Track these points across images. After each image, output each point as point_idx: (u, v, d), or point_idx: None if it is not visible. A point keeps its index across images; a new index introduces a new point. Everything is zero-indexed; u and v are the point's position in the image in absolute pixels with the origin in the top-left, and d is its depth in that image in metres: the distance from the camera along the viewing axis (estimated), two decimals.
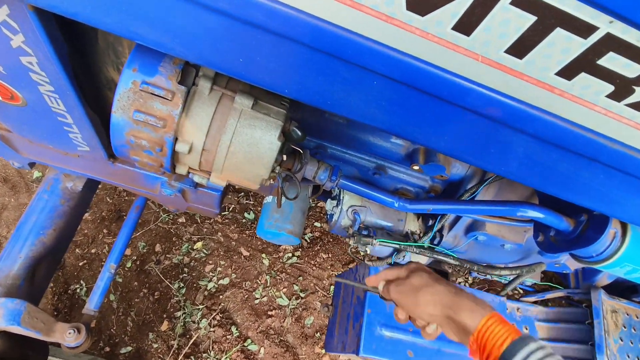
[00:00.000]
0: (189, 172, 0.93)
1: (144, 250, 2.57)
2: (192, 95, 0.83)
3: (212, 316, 2.45)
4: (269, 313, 2.59)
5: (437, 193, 1.66)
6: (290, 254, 2.83)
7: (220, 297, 2.55)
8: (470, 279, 3.16)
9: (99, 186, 2.72)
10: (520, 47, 0.53)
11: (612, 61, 0.53)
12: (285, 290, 2.70)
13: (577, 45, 0.52)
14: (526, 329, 2.41)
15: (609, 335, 2.11)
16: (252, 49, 0.62)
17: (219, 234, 2.76)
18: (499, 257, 1.78)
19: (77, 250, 2.46)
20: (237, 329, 2.46)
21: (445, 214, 1.56)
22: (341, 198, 1.62)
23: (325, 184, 1.29)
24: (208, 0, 0.56)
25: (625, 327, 2.18)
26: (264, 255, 2.76)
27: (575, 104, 0.61)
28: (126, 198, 2.68)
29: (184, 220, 2.74)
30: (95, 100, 1.17)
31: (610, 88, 0.57)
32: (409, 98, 0.64)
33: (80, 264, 2.43)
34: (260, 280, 2.68)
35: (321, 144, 1.52)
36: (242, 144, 0.86)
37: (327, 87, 0.66)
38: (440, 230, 1.66)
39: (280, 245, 2.87)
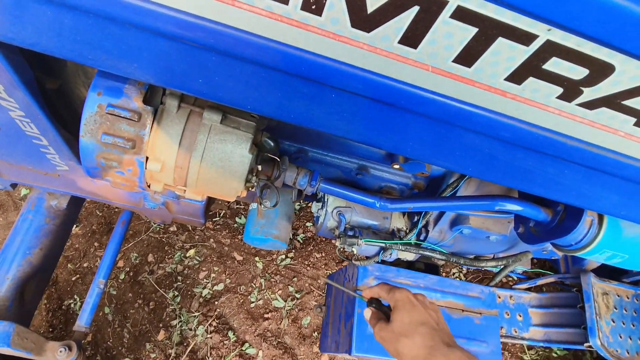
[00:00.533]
0: (164, 188, 0.94)
1: (137, 261, 2.57)
2: (161, 114, 0.83)
3: (209, 322, 2.47)
4: (266, 316, 2.61)
5: (421, 189, 1.67)
6: (283, 256, 2.84)
7: (216, 303, 2.56)
8: (464, 269, 3.19)
9: (85, 202, 2.72)
10: (467, 57, 0.54)
11: (556, 65, 0.54)
12: (280, 292, 2.71)
13: (520, 53, 0.53)
14: (520, 316, 2.44)
15: (600, 317, 2.14)
16: (207, 70, 0.63)
17: (211, 240, 2.76)
18: (485, 249, 1.80)
19: (69, 265, 2.46)
20: (234, 334, 2.47)
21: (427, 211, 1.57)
22: (326, 200, 1.63)
23: (306, 189, 1.30)
24: (156, 26, 0.56)
25: (616, 309, 2.22)
26: (257, 258, 2.77)
27: (528, 106, 0.62)
28: (116, 210, 2.68)
29: (175, 229, 2.74)
30: (72, 120, 1.17)
31: (559, 90, 0.58)
32: (367, 108, 0.65)
33: (73, 278, 2.43)
34: (254, 284, 2.69)
35: (302, 148, 1.53)
36: (213, 158, 0.87)
37: (287, 102, 0.67)
38: (426, 226, 1.68)
39: None
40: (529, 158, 0.74)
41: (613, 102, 0.59)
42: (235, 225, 2.84)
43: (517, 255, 1.67)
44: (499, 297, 2.49)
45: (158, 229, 2.71)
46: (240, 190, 0.94)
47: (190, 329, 2.42)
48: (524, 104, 0.61)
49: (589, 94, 0.58)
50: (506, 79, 0.57)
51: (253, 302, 2.62)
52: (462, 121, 0.66)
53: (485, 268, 1.66)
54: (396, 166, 1.45)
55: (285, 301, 2.67)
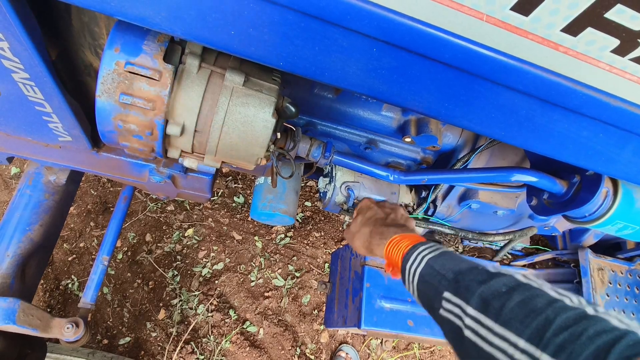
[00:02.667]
0: (180, 156, 0.90)
1: (135, 241, 2.52)
2: (180, 74, 0.79)
3: (209, 301, 2.45)
4: (266, 294, 2.60)
5: (429, 164, 1.66)
6: (282, 235, 2.82)
7: (216, 282, 2.55)
8: (460, 247, 3.22)
9: (82, 179, 2.64)
10: (526, 4, 0.52)
11: (619, 14, 0.52)
12: (280, 271, 2.70)
13: None
14: None
15: (596, 292, 2.19)
16: (243, 19, 0.59)
17: (210, 219, 2.72)
18: (491, 224, 1.80)
19: (65, 245, 2.40)
20: (235, 312, 2.46)
21: (438, 184, 1.57)
22: (334, 175, 1.60)
23: (319, 161, 1.27)
24: None
25: (611, 284, 2.27)
26: (256, 237, 2.75)
27: (579, 60, 0.60)
28: (111, 189, 2.62)
29: (173, 208, 2.70)
30: (75, 88, 1.11)
31: (616, 42, 0.56)
32: (409, 64, 0.62)
33: (70, 258, 2.37)
34: (254, 263, 2.68)
35: (311, 120, 1.50)
36: (235, 123, 0.83)
37: (324, 57, 0.64)
38: (434, 201, 1.67)
39: (272, 227, 2.86)
40: (567, 120, 0.73)
41: None
42: (234, 204, 2.81)
43: (522, 229, 1.68)
44: None
45: (155, 208, 2.65)
46: (261, 157, 0.91)
47: (191, 308, 2.41)
48: (575, 58, 0.59)
49: None
50: (563, 30, 0.55)
51: (253, 281, 2.61)
52: (505, 78, 0.64)
53: (493, 241, 1.67)
54: (408, 139, 1.43)
55: (285, 280, 2.67)
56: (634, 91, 0.63)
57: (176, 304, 2.40)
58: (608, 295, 2.22)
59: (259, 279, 2.64)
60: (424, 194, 1.65)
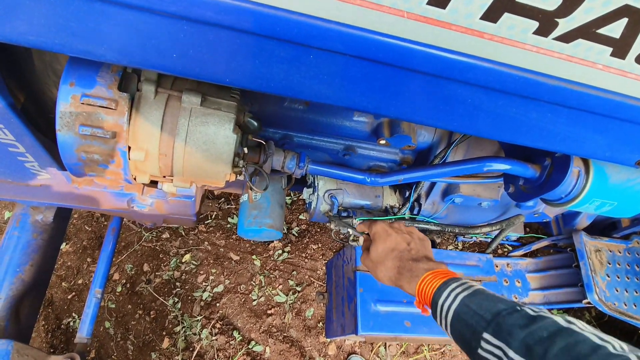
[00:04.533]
0: (152, 181, 0.92)
1: (132, 272, 2.53)
2: (138, 101, 0.81)
3: (212, 325, 2.44)
4: (269, 312, 2.59)
5: (410, 164, 1.68)
6: (280, 251, 2.83)
7: (217, 304, 2.54)
8: (459, 244, 3.22)
9: (75, 215, 2.66)
10: None
11: None
12: (281, 287, 2.70)
13: None
14: (518, 282, 2.48)
15: (595, 274, 2.18)
16: (181, 42, 0.61)
17: (206, 242, 2.73)
18: (479, 217, 1.81)
19: (63, 283, 2.40)
20: (239, 333, 2.45)
21: (419, 183, 1.58)
22: (316, 185, 1.62)
23: (295, 172, 1.29)
24: None
25: (610, 264, 2.26)
26: (254, 256, 2.76)
27: (506, 45, 0.62)
28: (105, 224, 2.63)
29: (168, 236, 2.71)
30: (47, 125, 1.14)
31: (535, 24, 0.58)
32: (346, 67, 0.65)
33: (69, 296, 2.38)
34: (254, 282, 2.67)
35: (286, 134, 1.52)
36: (197, 142, 0.85)
37: (265, 70, 0.66)
38: (418, 200, 1.69)
39: (269, 244, 2.87)
40: (512, 104, 0.75)
41: (588, 31, 0.59)
42: (228, 225, 2.82)
43: (509, 219, 1.69)
44: (497, 266, 2.52)
45: (150, 237, 2.67)
46: (228, 174, 0.93)
47: (195, 334, 2.40)
48: (502, 43, 0.61)
49: (564, 25, 0.58)
50: (482, 18, 0.57)
51: (255, 300, 2.61)
52: (443, 70, 0.66)
53: (482, 233, 1.68)
54: (382, 141, 1.45)
55: (287, 295, 2.66)
56: (566, 69, 0.65)
57: (179, 331, 2.40)
58: (608, 276, 2.21)
59: (261, 297, 2.63)
60: (407, 193, 1.66)
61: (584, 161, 1.19)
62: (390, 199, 1.70)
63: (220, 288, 2.61)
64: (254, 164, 1.15)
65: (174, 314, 2.44)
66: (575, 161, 1.17)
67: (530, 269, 2.50)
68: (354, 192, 1.64)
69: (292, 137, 1.53)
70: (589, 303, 2.14)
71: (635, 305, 2.23)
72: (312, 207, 1.63)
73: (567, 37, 0.60)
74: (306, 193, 1.69)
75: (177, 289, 2.54)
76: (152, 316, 2.42)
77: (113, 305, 2.40)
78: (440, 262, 0.95)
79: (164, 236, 2.70)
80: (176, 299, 2.50)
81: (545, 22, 0.58)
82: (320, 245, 2.90)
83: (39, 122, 1.09)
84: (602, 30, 0.59)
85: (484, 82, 0.68)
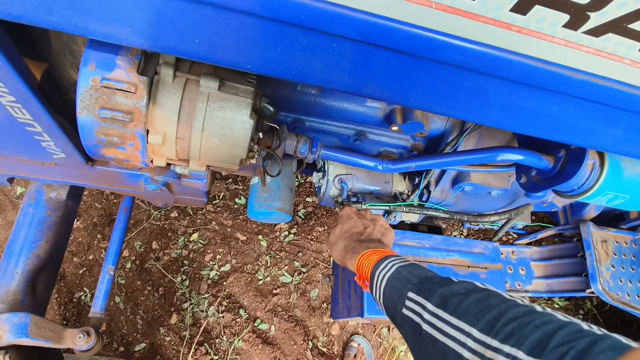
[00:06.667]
0: (168, 163, 0.93)
1: (142, 250, 2.58)
2: (156, 85, 0.81)
3: (219, 302, 2.50)
4: (274, 292, 2.64)
5: (420, 151, 1.67)
6: (286, 232, 2.85)
7: (224, 283, 2.59)
8: (465, 230, 3.24)
9: (85, 193, 2.69)
10: None
11: None
12: (286, 267, 2.74)
13: None
14: (522, 270, 2.50)
15: (600, 264, 2.18)
16: (204, 27, 0.61)
17: (213, 222, 2.76)
18: (487, 205, 1.82)
19: (74, 259, 2.45)
20: (245, 312, 2.51)
21: (429, 170, 1.58)
22: (326, 169, 1.62)
23: (307, 157, 1.29)
24: None
25: (615, 255, 2.26)
26: (260, 237, 2.79)
27: (534, 38, 0.61)
28: (115, 201, 2.67)
29: (177, 215, 2.74)
30: (63, 105, 1.15)
31: (566, 17, 0.57)
32: (369, 56, 0.64)
33: (80, 271, 2.43)
34: (260, 262, 2.71)
35: (298, 117, 1.52)
36: (214, 127, 0.85)
37: (287, 57, 0.66)
38: (428, 187, 1.69)
39: (276, 225, 2.90)
40: (534, 97, 0.74)
41: (619, 26, 0.58)
42: (236, 206, 2.84)
43: (518, 208, 1.69)
44: (502, 254, 2.53)
45: (159, 216, 2.70)
46: (243, 158, 0.93)
47: (202, 310, 2.45)
48: (530, 36, 0.60)
49: (595, 19, 0.57)
50: (512, 10, 0.56)
51: (261, 280, 2.65)
52: (467, 62, 0.65)
53: (490, 222, 1.69)
54: (394, 128, 1.44)
55: (292, 276, 2.70)
56: (593, 63, 0.64)
57: (187, 307, 2.45)
58: (613, 267, 2.22)
59: (267, 277, 2.68)
60: (417, 180, 1.66)
61: (599, 154, 1.19)
62: (400, 185, 1.70)
63: (227, 267, 2.65)
64: (267, 149, 1.15)
65: (181, 291, 2.49)
66: (591, 154, 1.17)
67: (535, 257, 2.52)
68: (363, 177, 1.64)
69: (303, 121, 1.52)
70: (592, 293, 2.16)
71: (638, 296, 2.25)
72: (321, 191, 1.64)
73: (597, 31, 0.59)
74: (316, 177, 1.70)
75: (185, 267, 2.58)
76: (160, 292, 2.48)
77: (123, 281, 2.46)
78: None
79: (172, 215, 2.73)
80: (184, 277, 2.55)
81: (577, 15, 0.57)
82: (326, 227, 2.92)
83: (56, 102, 1.09)
84: (633, 25, 0.58)
85: (508, 74, 0.67)
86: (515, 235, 2.91)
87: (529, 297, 2.99)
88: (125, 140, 0.81)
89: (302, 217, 2.97)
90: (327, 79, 0.69)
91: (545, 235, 2.46)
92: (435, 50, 0.61)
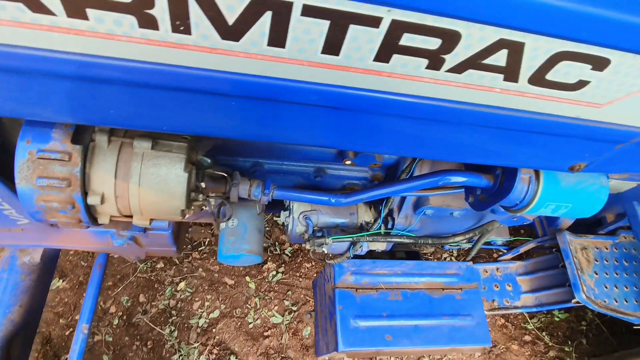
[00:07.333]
0: (112, 220, 0.98)
1: (129, 304, 2.58)
2: (92, 150, 0.88)
3: (209, 351, 2.47)
4: (265, 334, 2.62)
5: (380, 180, 1.73)
6: (274, 272, 2.87)
7: (214, 330, 2.57)
8: (454, 252, 3.24)
9: (71, 252, 2.73)
10: (332, 47, 0.61)
11: (411, 40, 0.60)
12: (276, 307, 2.73)
13: (375, 35, 0.59)
14: (509, 286, 2.49)
15: (583, 272, 2.18)
16: (113, 101, 0.68)
17: (200, 269, 2.78)
18: (455, 226, 1.85)
19: (60, 320, 2.46)
20: (236, 358, 2.48)
21: (389, 198, 1.63)
22: (291, 207, 1.68)
23: (261, 199, 1.35)
24: (55, 69, 0.62)
25: (597, 261, 2.26)
26: (248, 279, 2.80)
27: (406, 80, 0.68)
28: None
29: (163, 265, 2.76)
30: None
31: (425, 61, 0.65)
32: (254, 109, 0.71)
33: (67, 333, 2.43)
34: (250, 305, 2.71)
35: (257, 161, 1.59)
36: (150, 183, 0.92)
37: (195, 116, 0.73)
38: (391, 214, 1.73)
39: (263, 266, 2.91)
40: (434, 128, 0.81)
41: (474, 62, 0.65)
42: None
43: (482, 225, 1.72)
44: (486, 272, 2.54)
45: (145, 268, 2.72)
46: (184, 209, 0.99)
47: None
48: (401, 79, 0.67)
49: (451, 59, 0.64)
50: (375, 60, 0.64)
51: (251, 323, 2.64)
52: (354, 105, 0.72)
53: (455, 242, 1.72)
54: (348, 162, 1.51)
55: (283, 316, 2.69)
56: (466, 94, 0.71)
57: (177, 359, 2.43)
58: (596, 274, 2.21)
59: (257, 319, 2.66)
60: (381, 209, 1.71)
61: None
62: (366, 216, 1.75)
63: (216, 313, 2.64)
64: (219, 196, 1.21)
65: (170, 342, 2.48)
66: (525, 169, 1.22)
67: (520, 272, 2.51)
68: (328, 211, 1.69)
69: (262, 165, 1.59)
70: (578, 302, 2.15)
71: (626, 301, 2.23)
72: (289, 230, 1.69)
73: (457, 69, 0.66)
74: (283, 216, 1.75)
75: (174, 317, 2.58)
76: (149, 346, 2.46)
77: (110, 339, 2.44)
78: None
79: (158, 266, 2.75)
80: (172, 328, 2.54)
81: (433, 59, 0.64)
82: (313, 263, 2.93)
83: (9, 170, 1.16)
84: (487, 61, 0.65)
85: (399, 112, 0.74)
86: (493, 252, 2.92)
87: (521, 313, 2.96)
88: (64, 204, 0.87)
89: (289, 254, 2.99)
90: (231, 132, 0.76)
91: (527, 249, 2.47)
92: (315, 98, 0.68)
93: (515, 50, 0.63)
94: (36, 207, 0.87)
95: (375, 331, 1.58)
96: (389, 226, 1.74)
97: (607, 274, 2.23)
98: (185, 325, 2.57)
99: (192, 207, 1.04)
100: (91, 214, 0.93)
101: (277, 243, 3.04)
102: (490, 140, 0.86)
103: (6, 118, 1.03)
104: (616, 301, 2.20)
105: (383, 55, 0.63)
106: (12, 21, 0.55)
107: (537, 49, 0.63)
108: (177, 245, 1.64)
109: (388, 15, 0.56)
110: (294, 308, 2.72)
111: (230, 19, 0.55)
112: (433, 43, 0.61)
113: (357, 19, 0.57)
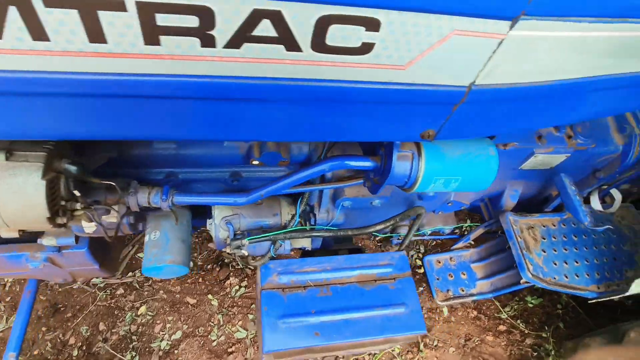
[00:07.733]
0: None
1: (88, 334, 2.57)
2: None
3: None
4: (229, 350, 2.59)
5: None
6: (237, 287, 2.85)
7: (176, 352, 2.55)
8: (421, 249, 3.21)
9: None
10: (96, 35, 0.65)
11: (167, 20, 0.64)
12: (240, 322, 2.71)
13: (128, 18, 0.63)
14: (464, 274, 2.48)
15: (530, 251, 2.17)
16: None
17: (161, 291, 2.78)
18: (380, 215, 1.85)
19: (19, 358, 2.44)
20: None
21: (304, 194, 1.65)
22: (213, 214, 1.69)
23: (161, 205, 1.37)
24: None
25: (544, 239, 2.25)
26: (210, 296, 2.78)
27: (187, 60, 0.71)
28: (59, 290, 2.70)
29: (123, 291, 2.76)
30: None
31: (196, 40, 0.68)
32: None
33: None
34: (213, 322, 2.69)
35: (170, 171, 1.61)
36: (7, 193, 0.94)
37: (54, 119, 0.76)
38: (312, 210, 1.75)
39: (225, 282, 2.90)
40: (245, 108, 0.84)
41: (244, 36, 0.68)
42: None
43: (404, 212, 1.73)
44: (439, 262, 2.53)
45: (105, 296, 2.72)
46: (51, 217, 1.01)
47: None
48: (183, 60, 0.71)
49: (220, 36, 0.68)
50: (147, 43, 0.67)
51: (214, 340, 2.61)
52: (149, 92, 0.76)
53: (376, 231, 1.72)
54: (255, 162, 1.54)
55: (247, 330, 2.66)
56: (256, 68, 0.74)
57: None
58: (544, 251, 2.20)
59: (220, 336, 2.64)
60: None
61: (416, 144, 1.27)
62: (290, 215, 1.76)
63: (178, 334, 2.62)
64: (108, 205, 1.23)
65: None
66: (405, 145, 1.25)
67: (474, 259, 2.50)
68: (250, 214, 1.71)
69: (176, 174, 1.62)
70: (526, 282, 2.14)
71: (577, 276, 2.22)
72: (213, 236, 1.70)
73: (233, 44, 0.70)
74: (208, 224, 1.77)
75: (134, 343, 2.56)
76: None
77: None
78: None
79: (118, 292, 2.75)
80: (134, 353, 2.51)
81: (203, 36, 0.68)
82: None
83: None
84: (256, 33, 0.68)
85: (190, 94, 0.77)
86: (451, 242, 2.90)
87: (477, 301, 2.92)
88: None
89: (252, 268, 2.98)
90: (109, 133, 0.80)
91: (477, 235, 2.47)
92: (131, 87, 0.72)
93: (278, 19, 0.67)
94: None
95: (302, 329, 1.57)
96: (312, 222, 1.75)
97: (555, 251, 2.22)
98: (147, 349, 2.55)
99: (72, 216, 1.06)
100: None
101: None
102: (322, 115, 0.89)
103: None
104: (566, 277, 2.18)
105: (149, 38, 0.66)
106: None
107: (296, 15, 0.66)
108: (103, 263, 1.65)
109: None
110: None
111: None
112: (191, 20, 0.65)
113: (101, 5, 0.61)
